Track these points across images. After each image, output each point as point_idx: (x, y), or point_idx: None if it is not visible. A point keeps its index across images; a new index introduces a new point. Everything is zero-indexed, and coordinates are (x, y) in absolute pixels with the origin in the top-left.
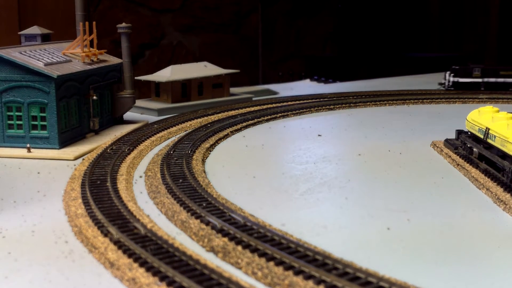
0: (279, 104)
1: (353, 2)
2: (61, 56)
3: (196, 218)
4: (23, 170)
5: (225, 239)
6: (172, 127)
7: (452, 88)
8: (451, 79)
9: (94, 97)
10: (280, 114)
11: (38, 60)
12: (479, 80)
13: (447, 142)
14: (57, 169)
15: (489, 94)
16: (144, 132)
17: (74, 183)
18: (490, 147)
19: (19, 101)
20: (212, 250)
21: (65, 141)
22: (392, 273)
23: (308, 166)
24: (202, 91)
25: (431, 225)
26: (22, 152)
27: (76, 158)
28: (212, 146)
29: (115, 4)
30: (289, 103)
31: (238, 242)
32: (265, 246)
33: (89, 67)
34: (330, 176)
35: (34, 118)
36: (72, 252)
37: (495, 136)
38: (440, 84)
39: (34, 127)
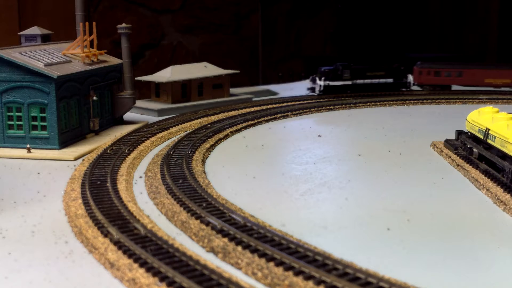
0: (279, 105)
1: (353, 2)
2: (61, 57)
3: (196, 218)
4: (23, 171)
5: (225, 239)
6: (172, 127)
7: (322, 93)
8: (322, 83)
9: (94, 98)
10: (280, 115)
11: (38, 60)
12: (349, 82)
13: (447, 142)
14: (57, 169)
15: (489, 94)
16: (144, 133)
17: (74, 184)
18: (490, 148)
19: (19, 102)
20: (212, 250)
21: (65, 142)
22: (392, 273)
23: (308, 167)
24: (202, 92)
25: (431, 225)
26: (22, 152)
27: (76, 159)
28: (212, 146)
29: (115, 5)
30: (289, 103)
31: (238, 242)
32: (265, 247)
33: (89, 67)
34: (330, 177)
35: (34, 118)
36: (72, 252)
37: (495, 137)
38: (310, 89)
39: (34, 127)
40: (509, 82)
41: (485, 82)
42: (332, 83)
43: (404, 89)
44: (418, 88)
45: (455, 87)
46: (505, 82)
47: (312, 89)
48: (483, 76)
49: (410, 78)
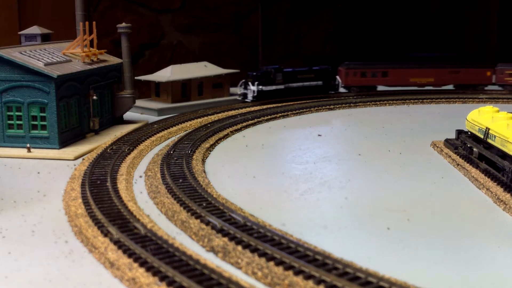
0: (279, 104)
1: (353, 2)
2: (61, 56)
3: (196, 218)
4: (23, 170)
5: (225, 239)
6: (172, 127)
7: (255, 99)
8: (256, 88)
9: (94, 97)
10: (280, 114)
11: (38, 60)
12: (282, 86)
13: (447, 142)
14: (57, 169)
15: (489, 94)
16: (144, 132)
17: (74, 183)
18: (490, 147)
19: (19, 101)
20: (212, 250)
21: (65, 141)
22: (392, 273)
23: (308, 166)
24: (202, 91)
25: (431, 225)
26: (22, 152)
27: (76, 158)
28: (212, 146)
29: (115, 4)
30: (289, 103)
31: (238, 242)
32: (265, 246)
33: (89, 67)
34: (330, 176)
35: (34, 118)
36: (72, 252)
37: (495, 136)
38: (241, 95)
39: (34, 127)
40: (433, 81)
41: (410, 82)
42: (265, 88)
43: (332, 92)
44: (349, 91)
45: (400, 89)
46: (429, 81)
47: (244, 96)
48: (408, 75)
49: (338, 80)
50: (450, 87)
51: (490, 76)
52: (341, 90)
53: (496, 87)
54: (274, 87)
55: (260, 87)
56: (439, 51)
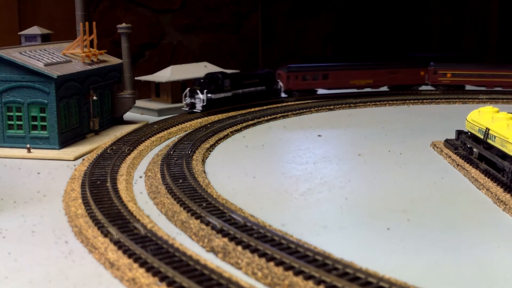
0: (279, 104)
1: (353, 2)
2: (61, 57)
3: (196, 218)
4: (23, 170)
5: (225, 239)
6: (172, 127)
7: (204, 109)
8: (205, 96)
9: (94, 97)
10: (280, 114)
11: (38, 60)
12: (230, 93)
13: (447, 142)
14: (57, 169)
15: (489, 94)
16: (144, 133)
17: (74, 183)
18: (490, 147)
19: (19, 101)
20: (212, 250)
21: (65, 141)
22: (392, 273)
23: (308, 166)
24: None
25: (431, 225)
26: (22, 152)
27: (76, 159)
28: (212, 146)
29: (115, 4)
30: (289, 103)
31: (238, 242)
32: (265, 247)
33: (89, 67)
34: (330, 176)
35: (34, 118)
36: (72, 252)
37: (495, 137)
38: (189, 106)
39: (34, 127)
40: (372, 83)
41: (350, 84)
42: (214, 96)
43: (275, 97)
44: (291, 96)
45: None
46: (368, 83)
47: (192, 106)
48: (348, 77)
49: (280, 84)
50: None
51: (424, 76)
52: (283, 95)
53: (430, 87)
54: (222, 95)
55: (209, 95)
56: (439, 51)
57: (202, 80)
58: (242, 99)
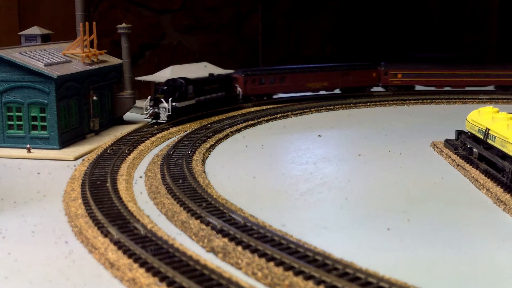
0: (279, 105)
1: (353, 2)
2: (61, 57)
3: (196, 218)
4: (23, 171)
5: (225, 239)
6: (172, 127)
7: (170, 119)
8: (170, 105)
9: (94, 98)
10: (280, 115)
11: (38, 60)
12: (193, 101)
13: (447, 142)
14: (57, 169)
15: (489, 94)
16: (144, 133)
17: (74, 184)
18: (490, 148)
19: (19, 102)
20: (212, 250)
21: (65, 142)
22: (392, 273)
23: (308, 167)
24: None
25: (431, 225)
26: (22, 152)
27: (76, 159)
28: (212, 146)
29: (115, 5)
30: (289, 103)
31: (238, 242)
32: (265, 247)
33: (89, 67)
34: (330, 176)
35: (34, 118)
36: (72, 252)
37: (495, 137)
38: (151, 116)
39: (34, 127)
40: (327, 85)
41: (306, 87)
42: (179, 105)
43: (234, 104)
44: (248, 101)
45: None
46: (323, 85)
47: (155, 116)
48: (305, 80)
49: (239, 89)
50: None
51: (376, 77)
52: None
53: (380, 89)
54: (187, 103)
55: (174, 104)
56: (439, 51)
57: (165, 87)
58: (204, 106)
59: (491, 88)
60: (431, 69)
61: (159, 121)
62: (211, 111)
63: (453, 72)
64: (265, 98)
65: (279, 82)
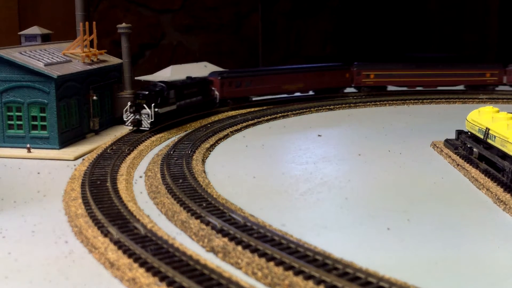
0: (279, 105)
1: (353, 2)
2: (61, 56)
3: (196, 218)
4: (23, 170)
5: (225, 239)
6: (172, 127)
7: (153, 126)
8: (153, 111)
9: (94, 97)
10: (280, 114)
11: (38, 60)
12: (175, 106)
13: (447, 142)
14: (57, 169)
15: (490, 94)
16: (144, 132)
17: (74, 183)
18: (490, 147)
19: (19, 101)
20: (212, 250)
21: (65, 141)
22: (392, 273)
23: (308, 166)
24: None
25: (431, 225)
26: (22, 152)
27: (76, 158)
28: (212, 146)
29: (115, 4)
30: (289, 103)
31: (238, 242)
32: (265, 246)
33: (89, 67)
34: (330, 176)
35: (34, 118)
36: (72, 252)
37: (495, 136)
38: (132, 123)
39: (34, 127)
40: (302, 87)
41: (282, 89)
42: (161, 111)
43: (212, 108)
44: (226, 105)
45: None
46: (299, 87)
47: (137, 123)
48: (281, 82)
49: (216, 93)
50: None
51: (349, 78)
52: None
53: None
54: (168, 108)
55: (157, 109)
56: (439, 51)
57: (147, 93)
58: (183, 112)
59: (461, 87)
60: (403, 69)
61: (141, 128)
62: (190, 116)
63: (424, 72)
64: (242, 101)
65: (255, 84)
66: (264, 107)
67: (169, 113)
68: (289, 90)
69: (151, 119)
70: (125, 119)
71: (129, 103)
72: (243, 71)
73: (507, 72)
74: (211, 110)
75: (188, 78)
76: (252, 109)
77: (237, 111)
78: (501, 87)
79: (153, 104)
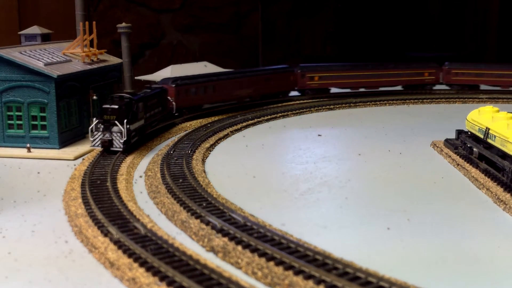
0: (279, 104)
1: (353, 1)
2: (61, 56)
3: (196, 218)
4: (23, 170)
5: (225, 239)
6: (172, 127)
7: (126, 145)
8: (125, 129)
9: (94, 97)
10: (280, 114)
11: (38, 60)
12: (143, 121)
13: (447, 142)
14: (57, 169)
15: (490, 94)
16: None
17: (74, 183)
18: (490, 147)
19: (19, 101)
20: (212, 250)
21: (65, 141)
22: (392, 273)
23: (308, 166)
24: None
25: (431, 225)
26: (22, 152)
27: (76, 158)
28: (212, 146)
29: (115, 4)
30: (289, 103)
31: (238, 242)
32: (265, 246)
33: (89, 67)
34: (330, 176)
35: (34, 118)
36: (72, 252)
37: (495, 136)
38: (102, 144)
39: (34, 127)
40: (251, 92)
41: (233, 96)
42: (132, 127)
43: (169, 119)
44: (181, 115)
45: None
46: (249, 93)
47: (107, 144)
48: (231, 88)
49: (173, 103)
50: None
51: (293, 81)
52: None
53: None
54: (137, 124)
55: (128, 126)
56: (439, 51)
57: (117, 107)
58: (149, 126)
59: (399, 88)
60: (346, 71)
61: (112, 149)
62: (152, 129)
63: (366, 73)
64: (197, 109)
65: (206, 91)
66: (279, 105)
67: (138, 130)
68: (239, 96)
69: (124, 137)
70: (91, 139)
71: (95, 120)
72: (196, 76)
73: (444, 71)
74: (168, 122)
75: (147, 87)
76: (208, 119)
77: (190, 122)
78: (438, 86)
79: (125, 120)
